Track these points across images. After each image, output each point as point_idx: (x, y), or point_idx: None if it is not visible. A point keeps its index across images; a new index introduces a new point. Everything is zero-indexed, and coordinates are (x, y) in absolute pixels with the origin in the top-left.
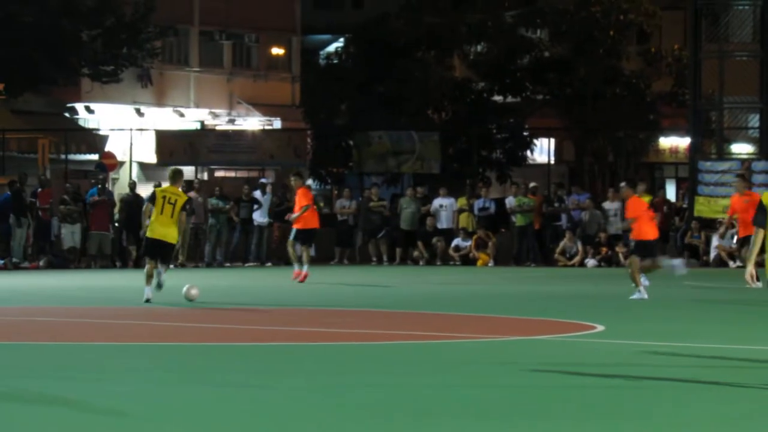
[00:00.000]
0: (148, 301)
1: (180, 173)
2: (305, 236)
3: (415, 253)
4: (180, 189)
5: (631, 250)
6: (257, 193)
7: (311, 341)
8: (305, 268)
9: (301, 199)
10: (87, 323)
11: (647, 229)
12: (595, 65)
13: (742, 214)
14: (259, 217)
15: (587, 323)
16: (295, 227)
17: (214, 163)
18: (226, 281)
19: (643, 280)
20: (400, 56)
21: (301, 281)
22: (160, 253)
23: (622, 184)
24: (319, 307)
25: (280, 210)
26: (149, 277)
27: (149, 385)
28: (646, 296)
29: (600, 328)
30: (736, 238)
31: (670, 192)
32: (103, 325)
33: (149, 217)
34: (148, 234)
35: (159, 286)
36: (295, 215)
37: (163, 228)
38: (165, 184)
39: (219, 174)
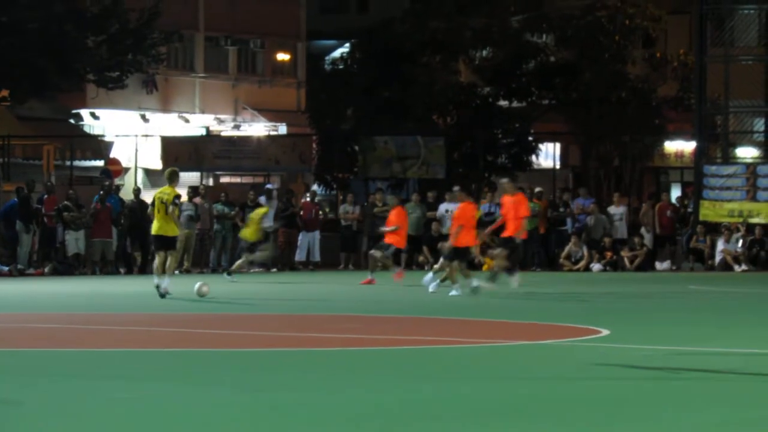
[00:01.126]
0: (158, 287)
1: (175, 174)
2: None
3: (421, 258)
4: (174, 187)
5: (449, 254)
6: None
7: (317, 347)
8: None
9: (394, 218)
10: (90, 330)
11: (467, 237)
12: (601, 70)
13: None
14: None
15: (592, 327)
16: (387, 241)
17: (220, 168)
18: (230, 287)
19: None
20: (406, 61)
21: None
22: (163, 245)
23: (456, 187)
24: (325, 312)
25: (286, 215)
26: (158, 269)
27: (152, 391)
28: (460, 293)
29: (605, 332)
30: (737, 241)
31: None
32: (105, 331)
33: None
34: (153, 232)
35: (162, 296)
36: (387, 228)
37: (158, 223)
38: (178, 191)
39: (224, 180)
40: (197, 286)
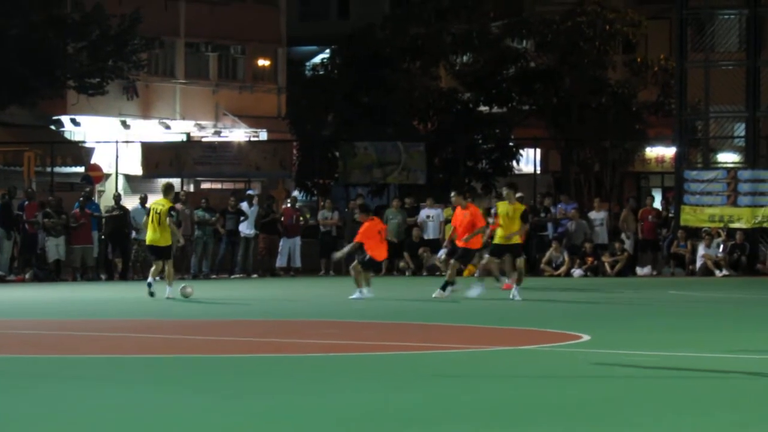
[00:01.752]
0: (149, 285)
1: (171, 187)
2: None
3: (401, 264)
4: (169, 200)
5: (364, 262)
6: (243, 205)
7: (298, 352)
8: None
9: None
10: (72, 336)
11: (377, 251)
12: (581, 75)
13: (460, 228)
14: (246, 228)
15: (573, 333)
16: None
17: (200, 174)
18: (212, 293)
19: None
20: (386, 67)
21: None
22: (158, 254)
23: (358, 200)
24: (305, 318)
25: (266, 221)
26: (153, 274)
27: (136, 396)
28: (367, 296)
29: (586, 337)
30: (723, 247)
31: (656, 202)
32: (88, 337)
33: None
34: (148, 242)
35: (152, 294)
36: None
37: (153, 234)
38: (157, 197)
39: (205, 186)
40: (181, 287)
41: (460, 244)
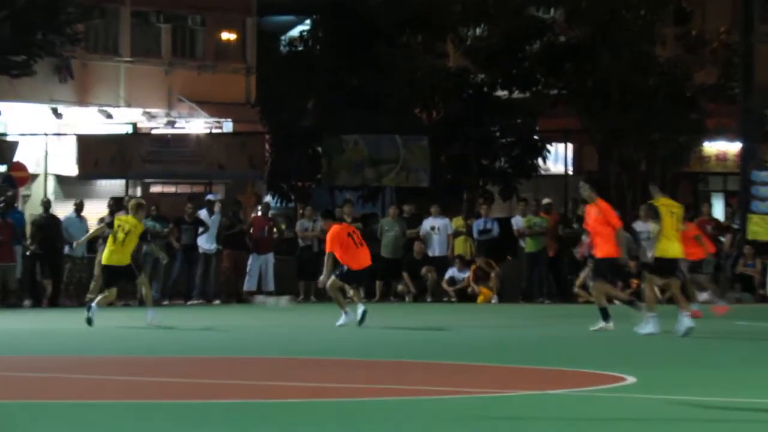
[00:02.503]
0: (89, 321)
1: (141, 206)
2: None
3: (400, 287)
4: (139, 220)
5: (342, 275)
6: (203, 213)
7: (271, 398)
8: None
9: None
10: None
11: (354, 259)
12: (623, 52)
13: (596, 226)
14: (205, 242)
15: (615, 374)
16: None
17: (150, 175)
18: (163, 322)
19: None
20: (380, 42)
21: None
22: (116, 277)
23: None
24: (282, 355)
25: (231, 234)
26: (101, 302)
27: None
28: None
29: (631, 379)
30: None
31: (717, 209)
32: (4, 378)
33: (103, 241)
34: (105, 262)
35: (89, 321)
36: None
37: (118, 255)
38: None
39: (155, 189)
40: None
41: (598, 253)
